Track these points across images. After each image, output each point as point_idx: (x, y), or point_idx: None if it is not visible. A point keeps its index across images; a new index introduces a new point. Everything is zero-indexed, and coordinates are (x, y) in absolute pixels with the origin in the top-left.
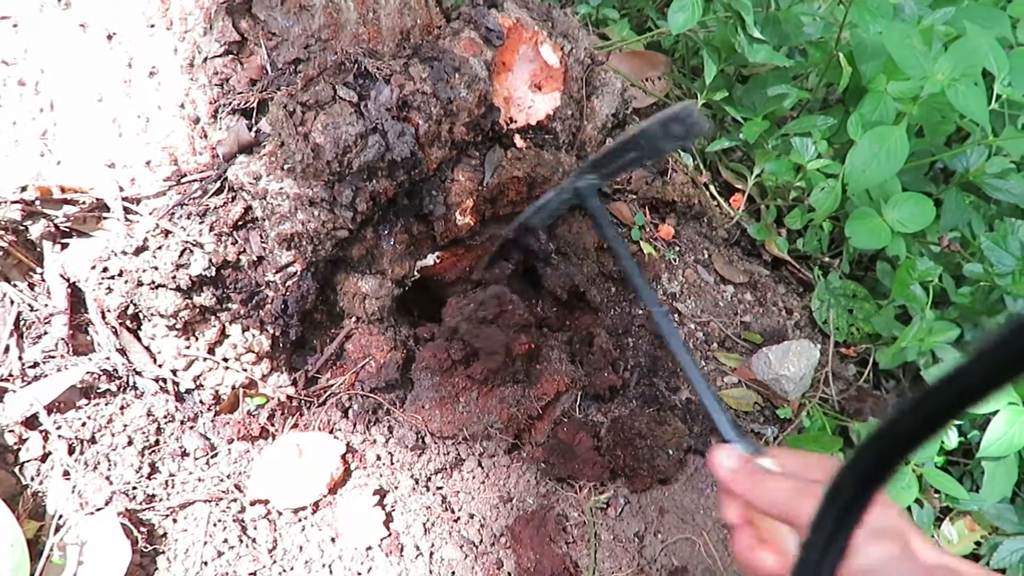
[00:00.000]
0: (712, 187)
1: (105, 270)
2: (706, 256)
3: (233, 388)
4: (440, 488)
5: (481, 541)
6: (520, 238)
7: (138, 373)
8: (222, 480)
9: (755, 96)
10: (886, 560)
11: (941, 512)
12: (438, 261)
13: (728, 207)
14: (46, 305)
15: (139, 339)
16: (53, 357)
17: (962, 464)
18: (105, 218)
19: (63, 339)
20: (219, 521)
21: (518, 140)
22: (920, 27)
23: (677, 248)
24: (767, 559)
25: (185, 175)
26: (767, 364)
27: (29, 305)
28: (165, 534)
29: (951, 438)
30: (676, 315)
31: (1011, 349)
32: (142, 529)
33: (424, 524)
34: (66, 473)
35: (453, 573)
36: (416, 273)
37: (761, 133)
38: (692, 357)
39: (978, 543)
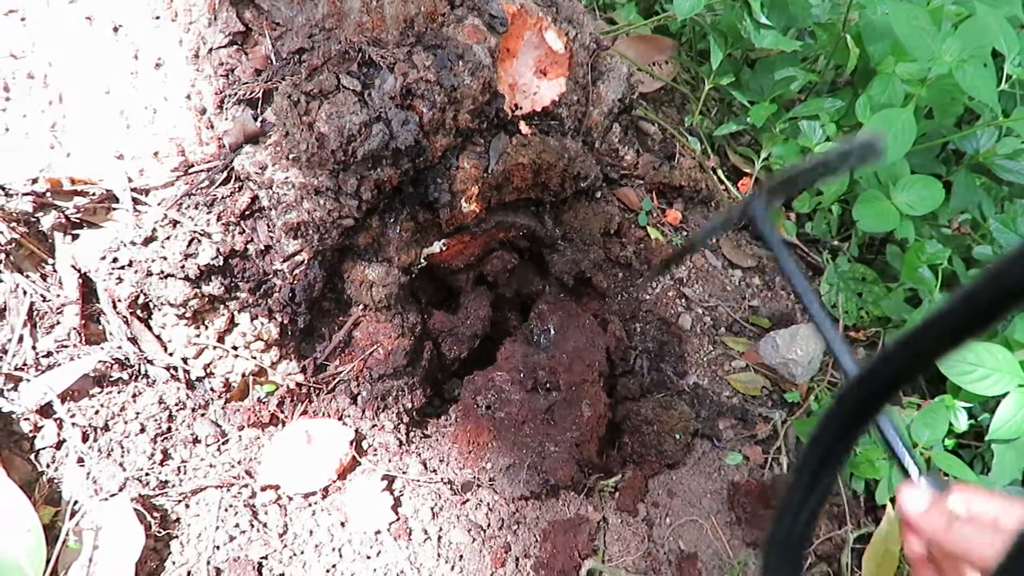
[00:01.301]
0: (720, 171)
1: (115, 260)
2: (714, 240)
3: (243, 376)
4: (448, 473)
5: (489, 525)
6: (685, 252)
7: (149, 362)
8: (233, 466)
9: (763, 80)
10: None
11: None
12: (444, 248)
13: (736, 191)
14: (58, 295)
15: (150, 328)
16: (66, 347)
17: (973, 447)
18: (115, 209)
19: (75, 329)
20: (231, 506)
21: (523, 127)
22: (929, 7)
23: (684, 233)
24: None
25: (192, 165)
26: (775, 348)
27: (42, 296)
28: (178, 519)
29: (961, 421)
30: (684, 300)
31: (982, 297)
32: (155, 514)
33: (432, 508)
34: (80, 460)
35: (461, 556)
36: (423, 260)
37: (768, 117)
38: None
39: None
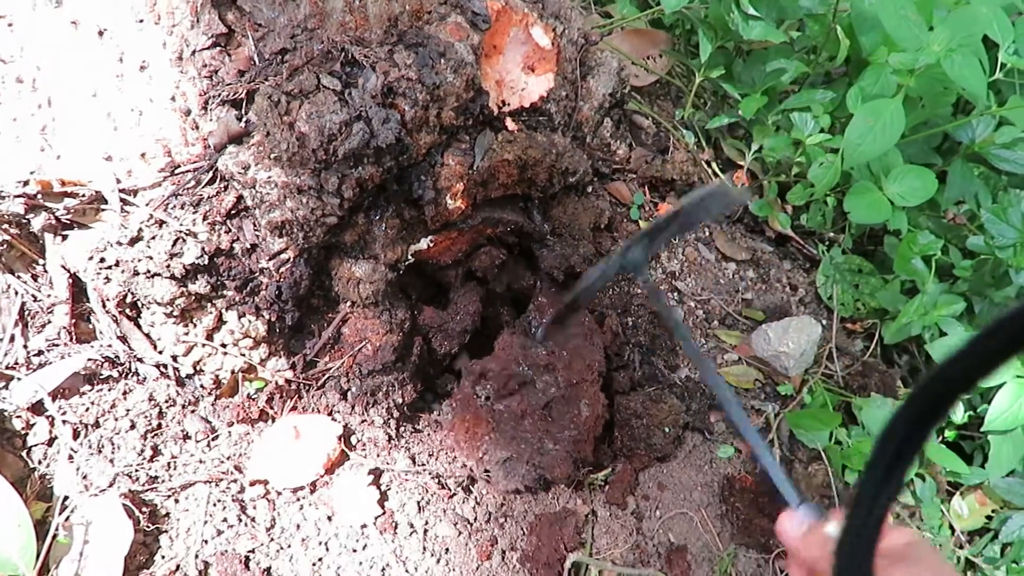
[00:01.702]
0: (714, 164)
1: (102, 260)
2: (707, 234)
3: (232, 372)
4: (436, 467)
5: (475, 519)
6: (570, 310)
7: (139, 359)
8: (222, 462)
9: (754, 72)
10: None
11: (952, 487)
12: (431, 245)
13: (731, 184)
14: (49, 295)
15: (139, 326)
16: (57, 345)
17: (975, 438)
18: (104, 210)
19: (66, 328)
20: (219, 501)
21: (509, 123)
22: None
23: None
24: None
25: (179, 166)
26: (766, 341)
27: (33, 296)
28: (167, 514)
29: (958, 412)
30: (676, 293)
31: None
32: (144, 509)
33: (419, 502)
34: (71, 456)
35: (447, 550)
36: (410, 257)
37: (760, 109)
38: (749, 424)
39: (989, 517)
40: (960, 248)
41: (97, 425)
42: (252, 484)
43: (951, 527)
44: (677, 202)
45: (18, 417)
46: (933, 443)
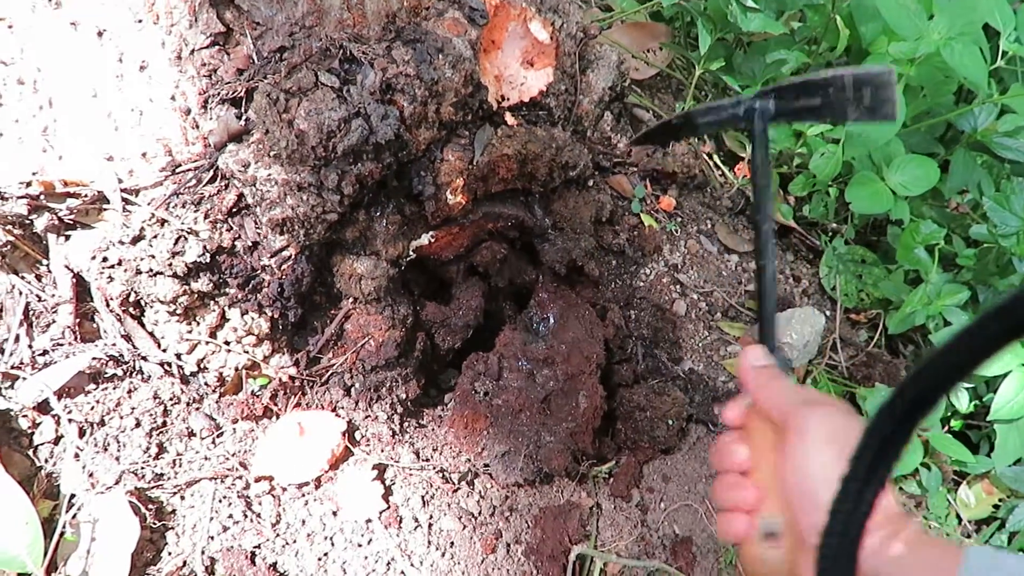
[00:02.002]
0: (716, 156)
1: (105, 260)
2: (709, 226)
3: (236, 370)
4: (440, 461)
5: (480, 512)
6: (675, 131)
7: (143, 358)
8: (227, 458)
9: (754, 63)
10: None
11: (958, 476)
12: (433, 240)
13: (732, 176)
14: (53, 295)
15: (143, 325)
16: (61, 345)
17: (981, 427)
18: (106, 209)
19: (70, 327)
20: (225, 497)
21: (509, 118)
22: None
23: (679, 219)
24: (741, 453)
25: (180, 165)
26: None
27: (37, 295)
28: (173, 511)
29: (962, 401)
30: (678, 286)
31: None
32: (151, 506)
33: (423, 497)
34: (77, 455)
35: (452, 543)
36: (411, 253)
37: None
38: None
39: (996, 506)
40: (963, 237)
41: (102, 423)
42: (257, 480)
43: (958, 516)
44: (827, 71)
45: (24, 416)
46: (939, 433)
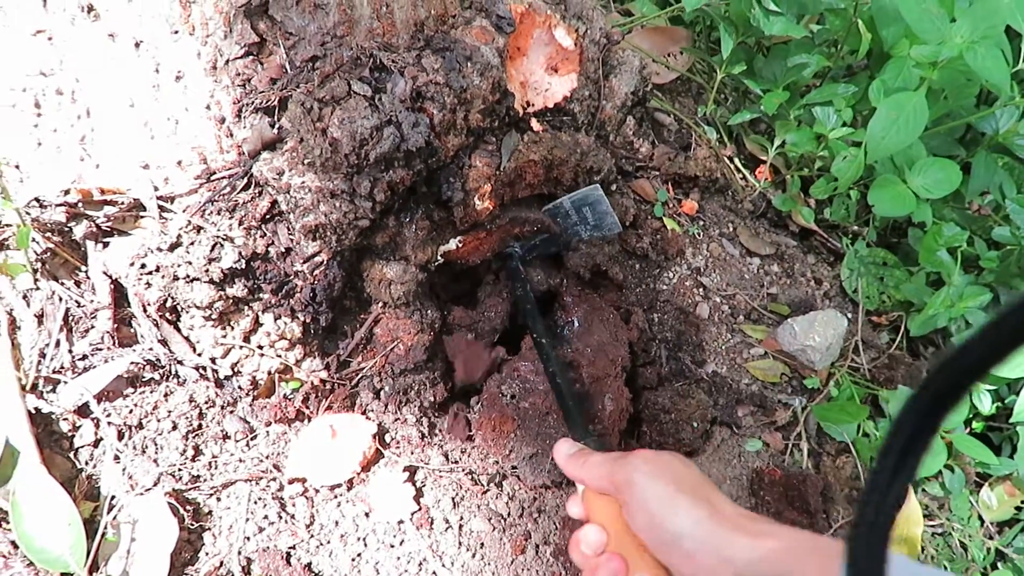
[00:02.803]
0: (737, 160)
1: (143, 266)
2: (731, 229)
3: (269, 374)
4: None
5: (509, 514)
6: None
7: (179, 362)
8: (261, 461)
9: (776, 67)
10: (697, 521)
11: (981, 478)
12: (460, 245)
13: (754, 179)
14: (92, 301)
15: (179, 330)
16: (100, 349)
17: (1003, 429)
18: (142, 217)
19: (108, 332)
20: (259, 499)
21: (535, 123)
22: None
23: (701, 222)
24: (592, 536)
25: (214, 173)
26: (792, 335)
27: (76, 301)
28: (210, 512)
29: (985, 403)
30: (701, 289)
31: None
32: (188, 508)
33: (453, 498)
34: (116, 457)
35: (482, 544)
36: (439, 258)
37: (782, 104)
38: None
39: (1018, 508)
40: (985, 239)
41: (140, 426)
42: (291, 482)
43: (980, 518)
44: (554, 203)
45: (65, 420)
46: (961, 434)
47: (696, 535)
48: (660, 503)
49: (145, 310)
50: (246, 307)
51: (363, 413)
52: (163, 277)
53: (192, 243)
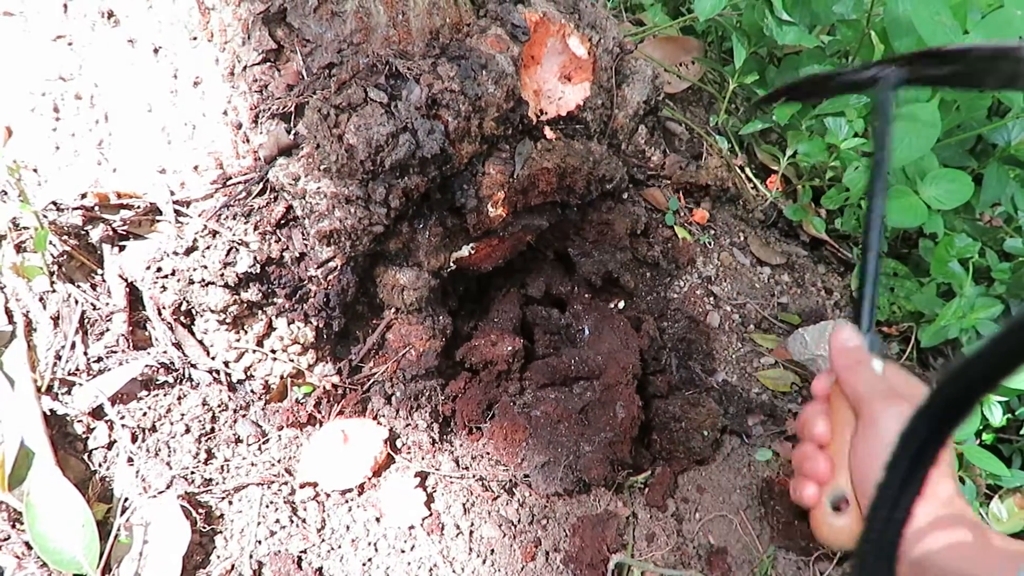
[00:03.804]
0: (748, 169)
1: (159, 270)
2: (742, 238)
3: (281, 378)
4: (479, 470)
5: (519, 520)
6: (803, 92)
7: (193, 365)
8: (273, 464)
9: (787, 77)
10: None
11: (991, 489)
12: (473, 252)
13: (765, 189)
14: (107, 304)
15: (193, 333)
16: (115, 352)
17: (1013, 441)
18: (158, 221)
19: (123, 335)
20: (271, 503)
21: (548, 132)
22: (952, 1)
23: (712, 231)
24: (821, 426)
25: (230, 178)
26: (803, 344)
27: (92, 304)
28: (222, 515)
29: (996, 415)
30: (712, 298)
31: None
32: (200, 511)
33: (464, 504)
34: (130, 459)
35: (492, 551)
36: (452, 264)
37: (793, 114)
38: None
39: None
40: (997, 251)
41: (154, 429)
42: (302, 486)
43: None
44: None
45: (79, 421)
46: (972, 445)
47: (934, 531)
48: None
49: (160, 313)
50: (260, 311)
51: (374, 418)
52: (178, 281)
53: (207, 247)
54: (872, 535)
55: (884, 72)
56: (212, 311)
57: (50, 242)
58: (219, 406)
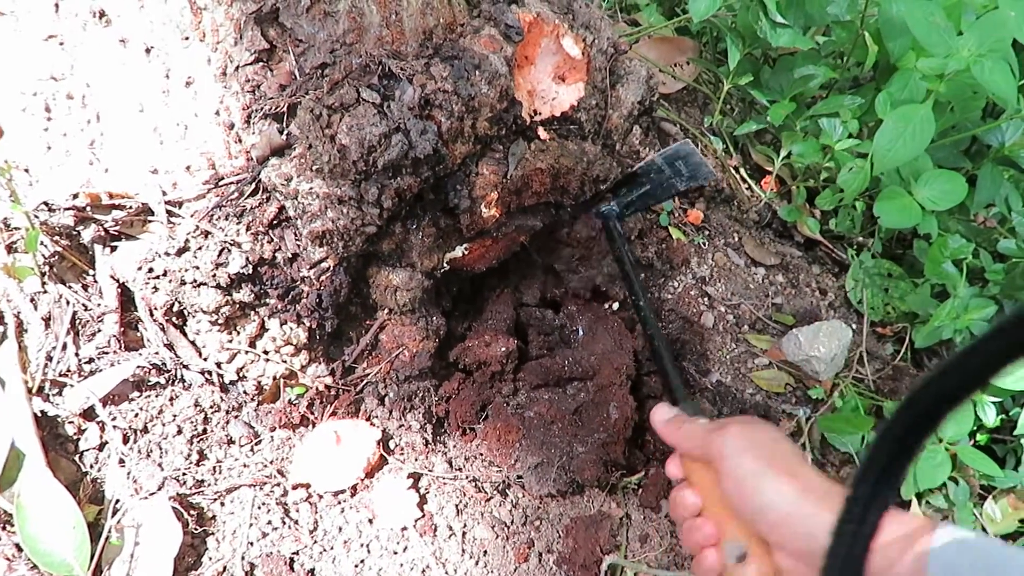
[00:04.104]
0: (743, 170)
1: (150, 270)
2: (736, 239)
3: (274, 379)
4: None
5: (512, 521)
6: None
7: (185, 366)
8: (266, 466)
9: (782, 78)
10: (784, 495)
11: (985, 490)
12: (466, 253)
13: (759, 190)
14: (99, 305)
15: (185, 334)
16: (106, 353)
17: (1007, 442)
18: (150, 221)
19: (115, 336)
20: (263, 504)
21: (542, 132)
22: (947, 2)
23: (706, 232)
24: (689, 498)
25: (222, 178)
26: (797, 345)
27: (83, 305)
28: (214, 517)
29: (989, 415)
30: (706, 298)
31: None
32: (192, 512)
33: (457, 505)
34: (121, 461)
35: (485, 552)
36: (445, 265)
37: (788, 115)
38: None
39: (1022, 520)
40: (991, 251)
41: (146, 430)
42: (295, 488)
43: (984, 530)
44: (642, 162)
45: (70, 423)
46: (965, 446)
47: (782, 508)
48: (749, 476)
49: (152, 314)
50: (252, 312)
51: (367, 419)
52: (170, 281)
53: (200, 248)
54: (840, 549)
55: (602, 210)
56: (204, 312)
57: (41, 242)
58: (211, 407)
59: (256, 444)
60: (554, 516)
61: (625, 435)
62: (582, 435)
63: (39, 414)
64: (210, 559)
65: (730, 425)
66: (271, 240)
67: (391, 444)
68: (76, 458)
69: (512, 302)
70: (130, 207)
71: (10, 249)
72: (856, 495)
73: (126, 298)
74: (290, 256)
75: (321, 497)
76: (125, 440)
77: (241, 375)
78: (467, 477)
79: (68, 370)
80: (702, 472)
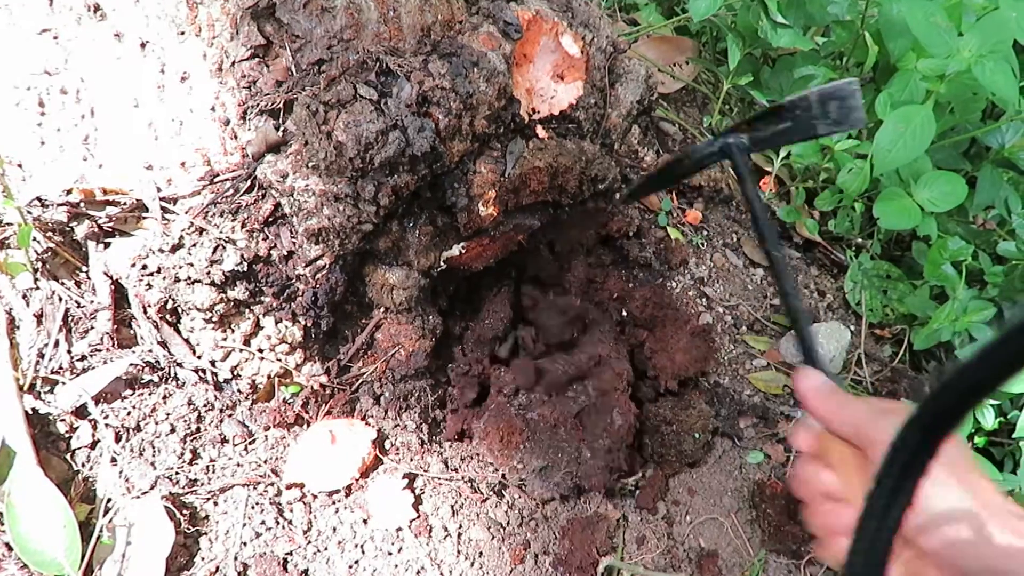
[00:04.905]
0: None
1: (144, 267)
2: (735, 240)
3: (269, 377)
4: (468, 471)
5: (508, 523)
6: (660, 181)
7: (179, 364)
8: (260, 465)
9: (782, 78)
10: (958, 509)
11: None
12: (464, 251)
13: (758, 190)
14: (92, 301)
15: (179, 332)
16: (99, 350)
17: (1005, 445)
18: (144, 218)
19: (108, 333)
20: (257, 504)
21: (540, 130)
22: (947, 3)
23: (705, 232)
24: (826, 478)
25: (217, 175)
26: (795, 347)
27: (76, 302)
28: (207, 516)
29: (988, 418)
30: (704, 299)
31: None
32: (185, 512)
33: (452, 506)
34: (114, 459)
35: (480, 553)
36: (442, 263)
37: None
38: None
39: None
40: (990, 254)
41: (138, 429)
42: (289, 487)
43: None
44: (793, 95)
45: (62, 421)
46: None
47: (954, 521)
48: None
49: (145, 311)
50: (247, 310)
51: (363, 419)
52: (164, 278)
53: (194, 245)
54: (862, 545)
55: (731, 141)
56: (198, 309)
57: (34, 238)
58: (205, 406)
59: (250, 443)
60: (550, 517)
61: (627, 441)
62: (589, 440)
63: (30, 412)
64: (203, 559)
65: (897, 413)
66: (266, 237)
67: (386, 444)
68: (67, 456)
69: (509, 301)
70: (124, 203)
71: (2, 245)
72: (879, 491)
73: (119, 295)
74: (285, 254)
75: (315, 497)
76: (117, 438)
77: (235, 373)
78: (463, 478)
79: (60, 367)
80: (846, 453)
